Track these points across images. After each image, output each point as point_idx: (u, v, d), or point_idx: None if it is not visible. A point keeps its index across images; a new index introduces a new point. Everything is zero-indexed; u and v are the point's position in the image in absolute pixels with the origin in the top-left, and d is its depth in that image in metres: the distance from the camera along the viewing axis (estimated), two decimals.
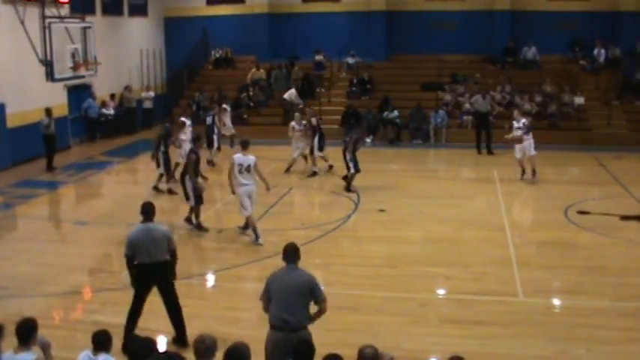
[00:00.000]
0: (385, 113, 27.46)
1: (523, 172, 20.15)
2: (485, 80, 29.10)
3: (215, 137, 22.28)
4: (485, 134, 24.53)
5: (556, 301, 11.61)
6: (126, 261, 9.70)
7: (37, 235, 15.87)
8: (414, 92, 29.32)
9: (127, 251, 9.62)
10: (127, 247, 9.62)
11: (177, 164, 19.11)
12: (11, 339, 6.88)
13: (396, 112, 27.32)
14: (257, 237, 14.58)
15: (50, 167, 22.30)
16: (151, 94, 30.63)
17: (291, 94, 28.75)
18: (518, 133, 19.82)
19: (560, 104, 27.26)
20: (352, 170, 18.42)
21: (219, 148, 22.50)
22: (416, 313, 11.10)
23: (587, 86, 28.53)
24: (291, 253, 8.18)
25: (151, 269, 9.61)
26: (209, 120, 22.31)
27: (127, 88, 30.05)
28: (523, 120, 20.08)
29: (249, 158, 14.35)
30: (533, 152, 19.88)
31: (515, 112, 20.61)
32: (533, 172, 19.98)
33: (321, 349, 7.26)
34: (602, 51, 29.00)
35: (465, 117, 27.47)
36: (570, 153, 24.59)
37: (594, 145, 25.16)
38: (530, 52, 30.09)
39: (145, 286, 9.77)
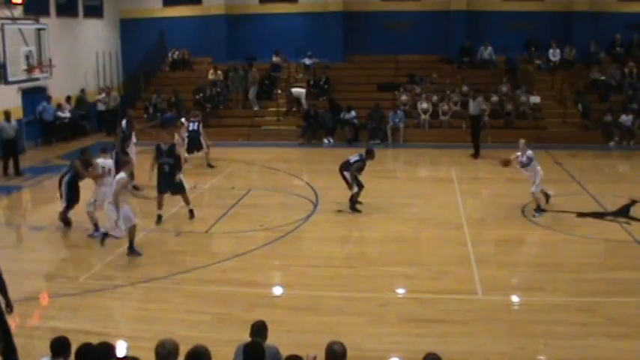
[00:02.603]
0: (342, 114, 27.50)
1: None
2: (442, 80, 29.38)
3: (202, 140, 22.11)
4: (472, 137, 24.50)
5: (514, 298, 11.71)
6: None
7: None
8: (372, 92, 29.44)
9: None
10: None
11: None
12: None
13: (353, 113, 27.38)
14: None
15: (17, 172, 21.93)
16: (103, 95, 30.27)
17: (299, 91, 28.88)
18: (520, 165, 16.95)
19: (517, 103, 27.56)
20: (355, 189, 16.90)
21: (207, 147, 22.40)
22: (376, 313, 11.12)
23: (542, 85, 28.90)
24: None
25: None
26: (193, 126, 22.07)
27: (105, 89, 30.32)
28: (529, 152, 16.84)
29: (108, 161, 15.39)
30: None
31: (522, 143, 17.24)
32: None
33: (281, 351, 7.28)
34: (558, 51, 29.40)
35: (421, 117, 27.64)
36: None
37: (550, 144, 25.47)
38: (487, 52, 30.36)
39: None
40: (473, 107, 24.46)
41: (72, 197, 15.45)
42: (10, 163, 21.89)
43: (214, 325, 10.62)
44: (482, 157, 23.67)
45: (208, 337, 9.33)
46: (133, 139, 19.94)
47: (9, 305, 9.03)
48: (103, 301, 11.66)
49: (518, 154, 16.94)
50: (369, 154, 17.17)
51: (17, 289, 11.95)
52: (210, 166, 22.24)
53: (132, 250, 13.76)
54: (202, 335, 9.47)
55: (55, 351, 6.99)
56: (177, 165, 16.52)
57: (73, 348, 6.95)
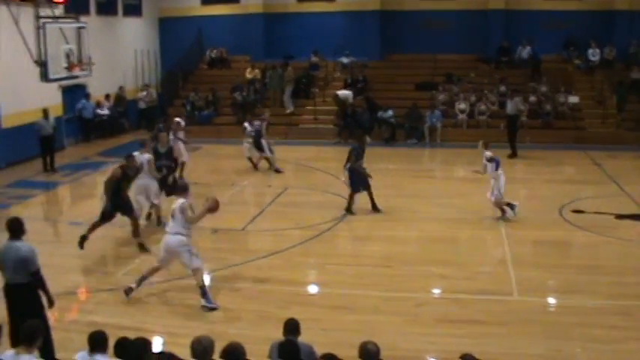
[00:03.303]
0: (380, 113, 27.47)
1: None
2: (479, 80, 29.21)
3: (264, 142, 21.69)
4: (509, 137, 24.29)
5: (551, 300, 11.61)
6: None
7: (31, 236, 15.39)
8: (409, 92, 29.36)
9: None
10: None
11: (182, 163, 19.63)
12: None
13: (390, 112, 27.34)
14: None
15: (52, 168, 22.35)
16: (145, 93, 30.59)
17: (346, 94, 28.54)
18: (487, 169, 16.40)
19: (556, 103, 27.32)
20: (350, 189, 17.03)
21: (271, 152, 22.00)
22: (412, 313, 11.10)
23: (581, 85, 28.60)
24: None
25: (13, 291, 8.87)
26: (258, 126, 21.80)
27: (145, 87, 30.98)
28: (487, 153, 16.43)
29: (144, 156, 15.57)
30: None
31: (480, 144, 16.98)
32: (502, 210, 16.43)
33: (316, 349, 7.30)
34: (597, 50, 29.06)
35: (459, 117, 27.54)
36: (565, 152, 24.63)
37: (589, 144, 25.24)
38: (525, 52, 30.09)
39: (10, 307, 8.91)
40: (510, 107, 24.33)
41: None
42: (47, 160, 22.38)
43: (250, 322, 10.68)
44: (519, 158, 23.48)
45: (244, 333, 9.38)
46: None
47: (50, 300, 9.13)
48: (141, 297, 11.77)
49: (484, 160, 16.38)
50: (360, 140, 17.42)
51: (56, 283, 12.10)
52: (278, 171, 21.80)
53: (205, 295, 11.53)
54: (238, 332, 9.54)
55: (92, 345, 7.07)
56: (173, 167, 17.03)
57: (111, 342, 7.04)
